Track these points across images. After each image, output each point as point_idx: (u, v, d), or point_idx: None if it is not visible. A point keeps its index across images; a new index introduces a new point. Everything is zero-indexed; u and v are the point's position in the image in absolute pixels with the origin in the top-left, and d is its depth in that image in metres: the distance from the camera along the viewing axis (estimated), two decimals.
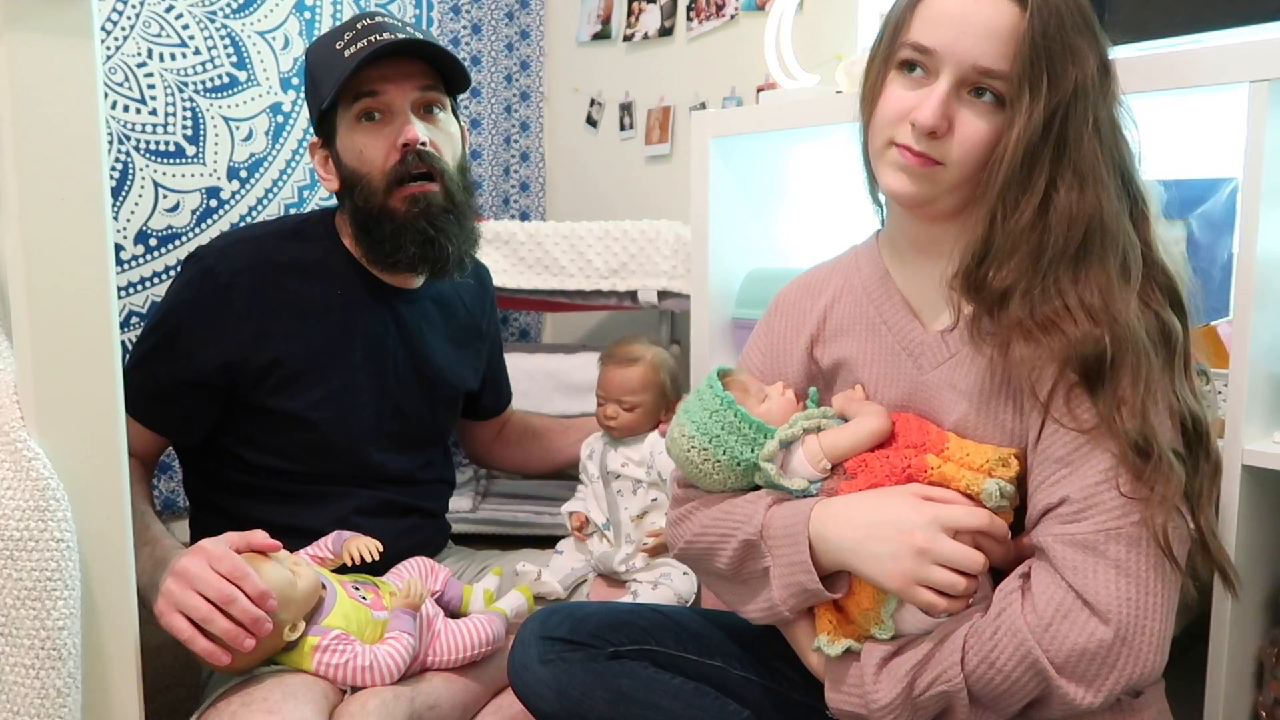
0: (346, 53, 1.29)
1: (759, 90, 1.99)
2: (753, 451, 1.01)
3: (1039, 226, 0.87)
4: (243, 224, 1.94)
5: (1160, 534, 0.82)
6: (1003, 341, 0.90)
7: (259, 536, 1.15)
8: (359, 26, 1.31)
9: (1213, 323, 1.12)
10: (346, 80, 1.28)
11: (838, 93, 1.48)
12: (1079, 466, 0.86)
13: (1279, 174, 1.01)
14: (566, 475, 1.73)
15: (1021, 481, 0.92)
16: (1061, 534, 0.86)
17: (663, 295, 1.82)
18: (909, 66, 0.92)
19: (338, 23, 2.01)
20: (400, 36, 1.30)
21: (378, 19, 1.33)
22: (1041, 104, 0.86)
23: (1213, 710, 1.07)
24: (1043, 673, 0.83)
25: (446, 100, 1.38)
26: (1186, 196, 1.24)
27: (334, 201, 1.41)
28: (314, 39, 1.35)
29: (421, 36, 1.33)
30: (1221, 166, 1.24)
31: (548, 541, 1.61)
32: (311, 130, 1.42)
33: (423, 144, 1.31)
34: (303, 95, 2.04)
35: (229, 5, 1.90)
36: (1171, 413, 0.86)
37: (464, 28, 2.29)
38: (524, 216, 2.43)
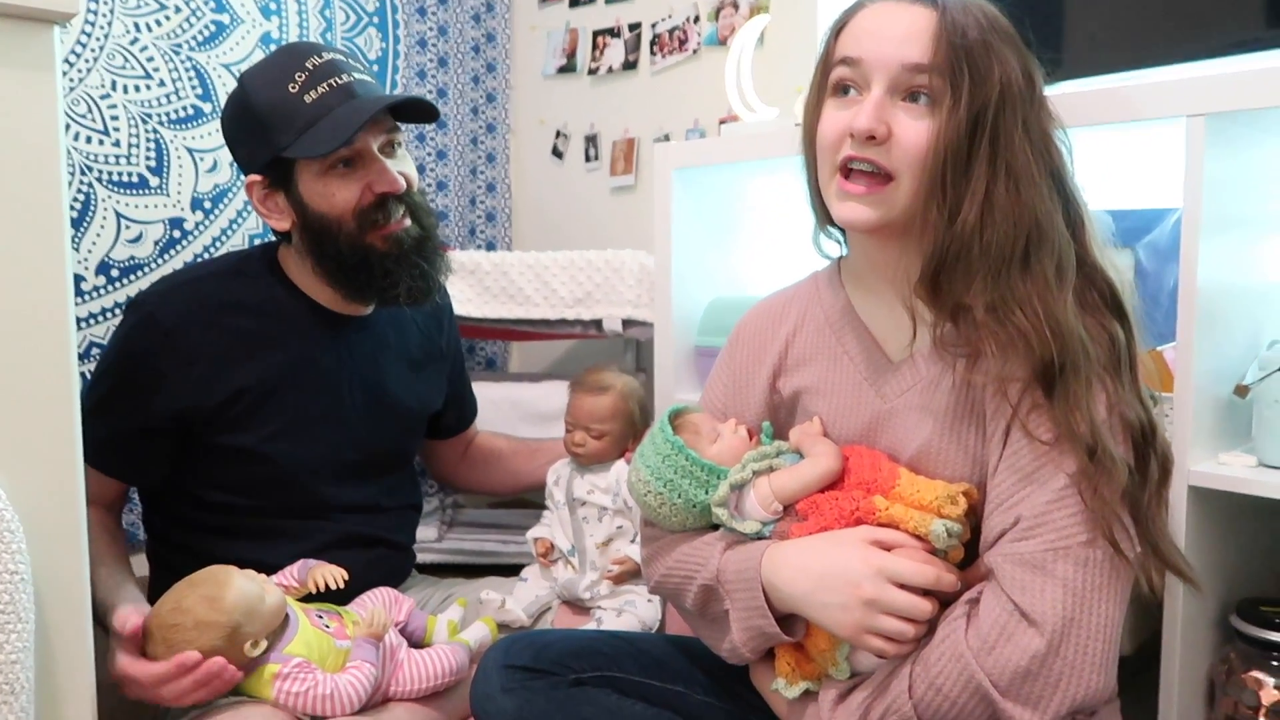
0: (307, 98, 1.27)
1: (721, 123, 2.02)
2: (706, 494, 1.02)
3: (987, 226, 0.88)
4: (200, 259, 1.92)
5: (1107, 532, 0.83)
6: (970, 353, 0.90)
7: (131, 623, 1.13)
8: (310, 67, 1.29)
9: (1160, 348, 1.15)
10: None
11: (797, 125, 1.50)
12: (1042, 484, 0.87)
13: (1217, 205, 1.04)
14: (534, 504, 1.73)
15: (973, 513, 0.93)
16: (1010, 553, 0.87)
17: (627, 324, 1.83)
18: (841, 90, 0.95)
19: None
20: (356, 77, 1.30)
21: (326, 57, 1.31)
22: (965, 98, 0.88)
23: None
24: (987, 696, 0.84)
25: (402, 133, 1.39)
26: (1134, 226, 1.28)
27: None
28: (251, 74, 1.32)
29: (379, 86, 1.34)
30: (1167, 197, 1.27)
31: (513, 570, 1.60)
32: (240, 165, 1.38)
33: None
34: None
35: (194, 38, 1.91)
36: (1120, 418, 0.87)
37: (430, 61, 2.30)
38: (490, 247, 2.44)
